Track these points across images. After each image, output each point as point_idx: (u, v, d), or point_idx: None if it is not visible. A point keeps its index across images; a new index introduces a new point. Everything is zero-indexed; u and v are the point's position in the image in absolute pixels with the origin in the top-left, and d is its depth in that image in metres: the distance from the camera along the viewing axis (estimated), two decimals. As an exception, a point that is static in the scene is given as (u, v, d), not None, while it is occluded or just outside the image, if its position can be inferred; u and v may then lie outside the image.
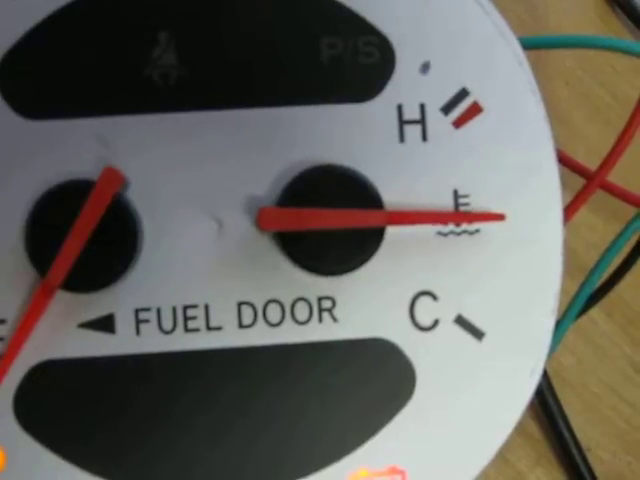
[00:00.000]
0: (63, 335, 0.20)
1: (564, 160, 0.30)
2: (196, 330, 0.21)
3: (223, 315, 0.21)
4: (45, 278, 0.20)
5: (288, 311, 0.21)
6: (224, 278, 0.21)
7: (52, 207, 0.20)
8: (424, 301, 0.21)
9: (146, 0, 0.21)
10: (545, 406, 0.30)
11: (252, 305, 0.21)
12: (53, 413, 0.20)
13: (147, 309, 0.21)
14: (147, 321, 0.21)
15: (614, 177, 0.28)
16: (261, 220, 0.20)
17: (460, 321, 0.21)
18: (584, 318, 0.28)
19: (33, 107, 0.20)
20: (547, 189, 0.21)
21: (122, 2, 0.21)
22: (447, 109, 0.21)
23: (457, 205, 0.21)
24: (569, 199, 0.25)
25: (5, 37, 0.20)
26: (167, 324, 0.21)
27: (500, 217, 0.21)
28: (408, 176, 0.21)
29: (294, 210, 0.20)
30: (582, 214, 0.27)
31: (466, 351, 0.21)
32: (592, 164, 0.27)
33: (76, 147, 0.20)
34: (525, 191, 0.21)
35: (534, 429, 0.30)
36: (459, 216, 0.21)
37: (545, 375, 0.30)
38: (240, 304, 0.21)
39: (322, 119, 0.21)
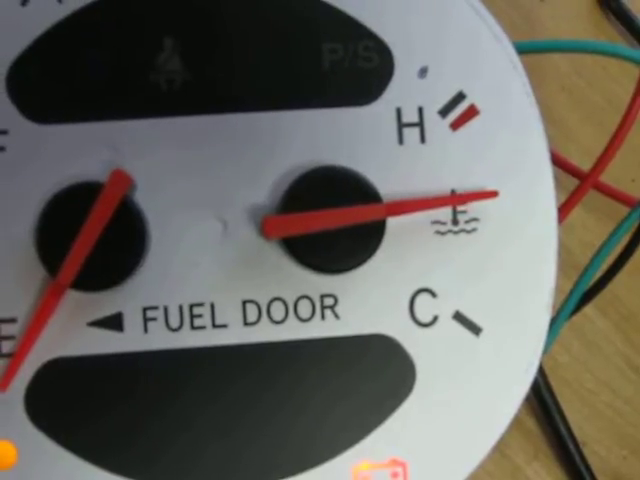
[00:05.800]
0: (73, 333, 0.21)
1: (558, 161, 0.31)
2: (202, 328, 0.21)
3: (228, 313, 0.21)
4: (55, 278, 0.20)
5: (291, 309, 0.21)
6: (229, 277, 0.21)
7: (62, 208, 0.20)
8: (423, 298, 0.22)
9: (151, 7, 0.21)
10: (542, 402, 0.30)
11: (256, 303, 0.21)
12: (63, 409, 0.21)
13: (154, 307, 0.21)
14: (154, 319, 0.21)
15: (607, 177, 0.28)
16: (266, 229, 0.20)
17: (458, 317, 0.22)
18: (579, 316, 0.28)
19: (42, 112, 0.21)
20: (542, 189, 0.22)
21: (128, 9, 0.21)
22: (445, 112, 0.22)
23: (455, 205, 0.22)
24: (563, 199, 0.26)
25: (15, 43, 0.21)
26: (174, 322, 0.21)
27: (493, 194, 0.21)
28: (407, 177, 0.22)
29: (296, 216, 0.21)
30: (576, 214, 0.27)
31: (464, 346, 0.22)
32: (585, 165, 0.27)
33: (85, 150, 0.21)
34: (520, 191, 0.22)
35: (532, 424, 0.31)
36: (454, 198, 0.21)
37: (542, 372, 0.30)
38: (245, 302, 0.21)
39: (323, 122, 0.21)
